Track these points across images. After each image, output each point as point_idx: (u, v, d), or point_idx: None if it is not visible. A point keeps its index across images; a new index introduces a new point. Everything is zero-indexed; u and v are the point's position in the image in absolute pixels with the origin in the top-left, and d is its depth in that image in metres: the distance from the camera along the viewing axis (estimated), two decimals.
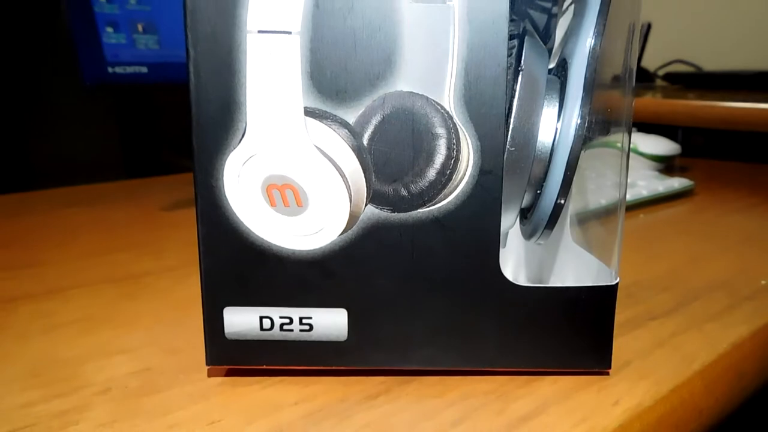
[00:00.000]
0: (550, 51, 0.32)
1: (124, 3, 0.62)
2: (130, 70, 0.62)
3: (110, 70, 0.61)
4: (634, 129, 0.87)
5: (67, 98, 0.78)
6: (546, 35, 0.32)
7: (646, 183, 0.63)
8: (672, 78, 1.16)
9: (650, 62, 1.23)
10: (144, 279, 0.41)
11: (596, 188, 0.33)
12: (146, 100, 0.85)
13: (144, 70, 0.62)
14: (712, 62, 1.19)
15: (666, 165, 0.79)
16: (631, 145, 0.78)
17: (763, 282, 0.39)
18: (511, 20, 0.26)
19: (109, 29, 0.61)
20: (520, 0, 0.30)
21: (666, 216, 0.58)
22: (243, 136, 0.24)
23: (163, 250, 0.47)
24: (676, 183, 0.65)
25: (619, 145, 0.76)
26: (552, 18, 0.32)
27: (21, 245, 0.49)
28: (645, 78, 1.22)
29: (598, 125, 0.29)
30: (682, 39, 1.28)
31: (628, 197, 0.59)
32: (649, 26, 1.22)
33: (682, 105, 0.85)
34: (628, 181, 0.64)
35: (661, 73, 1.21)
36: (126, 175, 0.79)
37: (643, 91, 1.07)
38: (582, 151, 0.26)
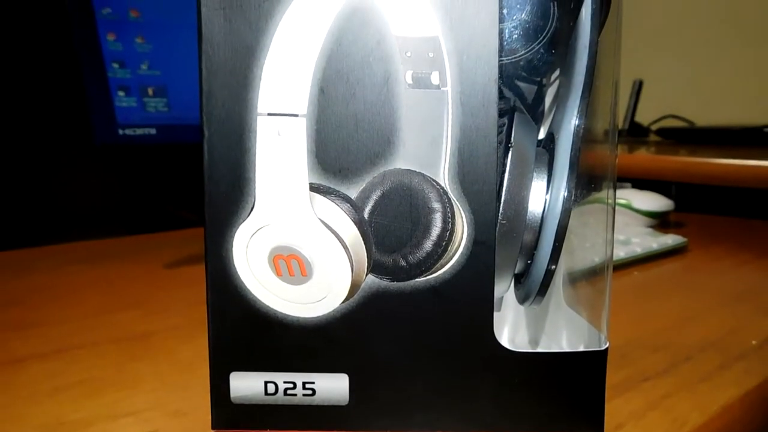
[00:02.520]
0: (542, 114, 0.34)
1: (136, 68, 0.65)
2: (139, 131, 0.64)
3: (121, 131, 0.63)
4: (628, 185, 0.89)
5: (71, 153, 0.81)
6: (537, 101, 0.34)
7: (640, 240, 0.65)
8: (665, 133, 1.19)
9: (644, 117, 1.26)
10: (149, 339, 0.42)
11: (590, 246, 0.35)
12: (150, 158, 0.87)
13: (153, 131, 0.65)
14: (703, 117, 1.22)
15: (661, 221, 0.81)
16: (626, 202, 0.80)
17: (753, 342, 0.40)
18: (501, 97, 0.28)
19: (121, 93, 0.64)
20: (510, 76, 0.32)
21: (660, 273, 0.59)
22: (252, 209, 0.25)
23: (167, 309, 0.48)
24: (670, 240, 0.66)
25: (621, 201, 0.77)
26: (542, 87, 0.34)
27: (27, 303, 0.50)
28: (639, 133, 1.25)
29: (588, 184, 0.31)
30: (673, 95, 1.32)
31: (623, 254, 0.61)
32: (641, 83, 1.26)
33: (675, 161, 0.87)
34: (623, 238, 0.66)
35: (654, 128, 1.25)
36: (127, 231, 0.81)
37: (637, 146, 1.10)
38: (574, 208, 0.28)
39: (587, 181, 0.30)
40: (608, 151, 0.30)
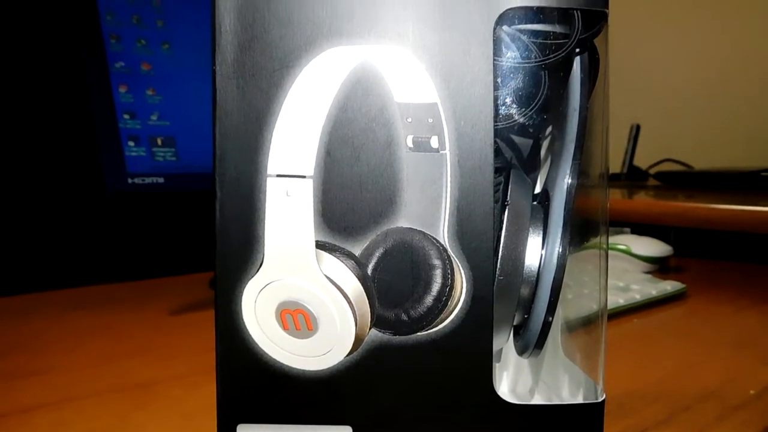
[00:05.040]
0: (539, 163, 0.36)
1: (146, 119, 0.67)
2: (148, 180, 0.66)
3: (130, 180, 0.65)
4: (627, 230, 0.90)
5: (83, 201, 0.82)
6: (532, 155, 0.36)
7: (639, 287, 0.66)
8: (663, 177, 1.20)
9: (642, 161, 1.28)
10: (154, 387, 0.42)
11: (588, 293, 0.35)
12: (158, 205, 0.89)
13: (161, 180, 0.67)
14: (699, 160, 1.24)
15: (660, 266, 0.81)
16: (625, 247, 0.81)
17: (752, 392, 0.40)
18: (497, 155, 0.29)
19: (131, 143, 0.66)
20: (506, 138, 0.33)
21: (659, 320, 0.60)
22: (261, 266, 0.27)
23: (171, 357, 0.49)
24: (669, 286, 0.67)
25: (620, 246, 0.78)
26: (537, 143, 0.36)
27: (32, 350, 0.51)
28: (638, 176, 1.27)
29: (584, 232, 0.32)
30: (670, 139, 1.34)
31: (622, 302, 0.61)
32: (638, 128, 1.29)
33: (674, 206, 0.88)
34: (622, 284, 0.66)
35: (652, 171, 1.26)
36: (135, 277, 0.81)
37: (636, 191, 1.11)
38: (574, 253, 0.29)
39: (583, 228, 0.31)
40: (601, 198, 0.31)
